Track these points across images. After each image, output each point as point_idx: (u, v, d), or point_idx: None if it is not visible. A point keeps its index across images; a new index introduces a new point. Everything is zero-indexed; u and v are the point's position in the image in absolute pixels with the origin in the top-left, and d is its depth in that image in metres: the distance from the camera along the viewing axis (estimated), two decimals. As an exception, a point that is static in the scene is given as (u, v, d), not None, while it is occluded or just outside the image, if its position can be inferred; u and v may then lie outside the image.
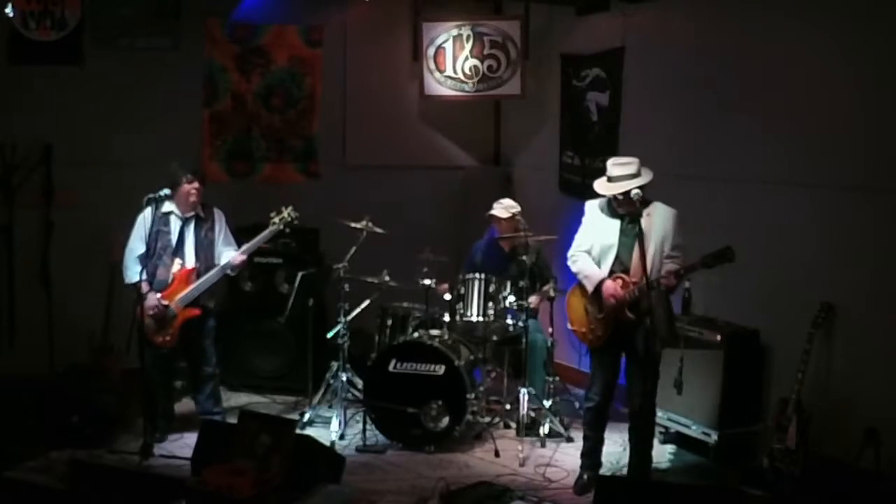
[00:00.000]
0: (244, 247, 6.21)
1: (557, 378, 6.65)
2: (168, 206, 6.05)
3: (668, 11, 6.77)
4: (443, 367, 6.10)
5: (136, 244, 6.00)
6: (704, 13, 6.48)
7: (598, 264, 5.39)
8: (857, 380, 5.46)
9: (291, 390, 7.07)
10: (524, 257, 6.36)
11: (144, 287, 5.92)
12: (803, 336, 5.48)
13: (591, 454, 5.61)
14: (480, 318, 6.34)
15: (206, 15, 7.59)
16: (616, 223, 5.36)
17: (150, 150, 7.26)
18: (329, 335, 6.55)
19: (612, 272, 5.34)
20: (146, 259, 5.96)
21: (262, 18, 7.75)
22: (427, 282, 6.49)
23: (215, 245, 6.19)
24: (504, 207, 6.72)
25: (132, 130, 7.35)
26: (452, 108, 8.26)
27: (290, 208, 6.28)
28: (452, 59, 8.01)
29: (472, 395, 6.17)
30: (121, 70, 7.35)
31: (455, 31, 7.99)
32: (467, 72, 8.01)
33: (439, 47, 8.02)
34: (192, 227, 6.12)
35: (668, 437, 6.25)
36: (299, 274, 6.64)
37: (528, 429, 6.27)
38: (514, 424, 6.43)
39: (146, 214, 5.91)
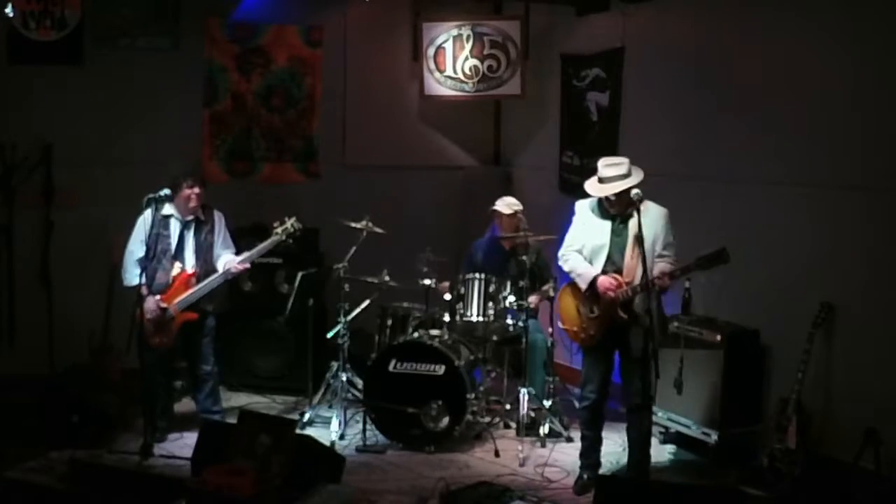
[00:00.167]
0: (245, 255, 6.18)
1: (557, 378, 6.65)
2: (168, 209, 6.04)
3: (668, 11, 6.76)
4: (443, 367, 6.10)
5: (136, 247, 5.99)
6: (704, 13, 6.48)
7: (590, 264, 5.39)
8: (857, 380, 5.46)
9: (291, 390, 7.07)
10: (524, 257, 6.36)
11: (143, 290, 5.92)
12: (803, 336, 5.49)
13: (590, 454, 5.61)
14: (480, 318, 6.33)
15: (206, 15, 7.59)
16: (607, 224, 5.36)
17: (150, 150, 7.27)
18: (329, 335, 6.55)
19: (604, 272, 5.33)
20: (145, 262, 5.95)
21: (262, 18, 7.75)
22: (427, 282, 6.49)
23: (214, 248, 6.19)
24: (507, 204, 6.72)
25: (132, 130, 7.35)
26: (452, 108, 8.26)
27: (293, 219, 6.26)
28: (452, 59, 8.01)
29: (472, 395, 6.17)
30: (121, 70, 7.35)
31: (455, 31, 8.00)
32: (467, 72, 8.01)
33: (439, 47, 8.03)
34: (192, 230, 6.12)
35: (668, 437, 6.25)
36: (299, 274, 6.63)
37: (528, 429, 6.26)
38: (514, 424, 6.43)
39: (146, 217, 5.90)
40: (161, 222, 6.00)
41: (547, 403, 6.41)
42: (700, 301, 6.25)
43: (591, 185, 5.37)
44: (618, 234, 5.33)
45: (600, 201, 5.38)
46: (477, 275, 6.42)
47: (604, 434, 5.65)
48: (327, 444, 5.85)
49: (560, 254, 5.52)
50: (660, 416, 6.11)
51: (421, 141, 8.35)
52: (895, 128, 5.29)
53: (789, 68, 5.86)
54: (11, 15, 6.86)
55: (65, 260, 7.26)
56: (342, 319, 6.39)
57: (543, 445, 6.22)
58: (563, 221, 5.60)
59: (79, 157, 7.20)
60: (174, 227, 6.08)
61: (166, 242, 6.04)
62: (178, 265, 6.06)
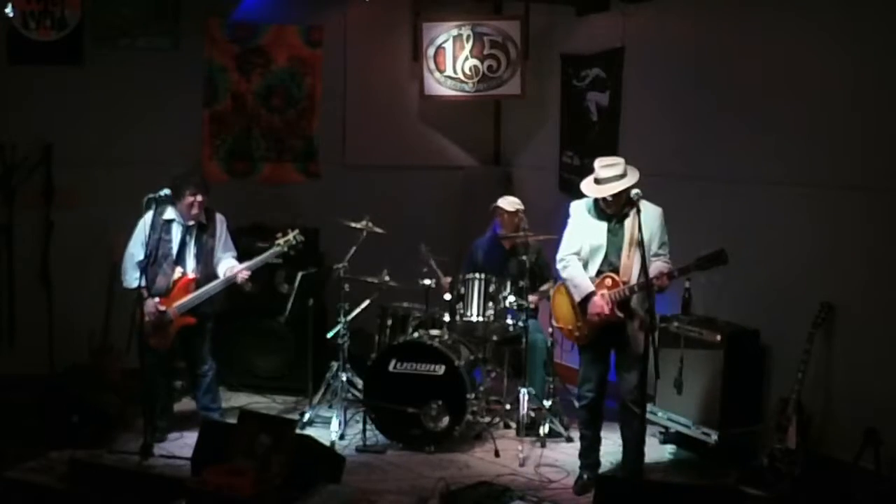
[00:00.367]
0: (246, 264, 6.17)
1: (557, 378, 6.65)
2: (170, 214, 6.04)
3: (668, 11, 6.77)
4: (443, 367, 6.10)
5: (136, 249, 5.98)
6: (704, 13, 6.48)
7: (587, 265, 5.39)
8: (857, 380, 5.46)
9: (291, 390, 7.07)
10: (524, 257, 6.36)
11: (143, 293, 5.91)
12: (803, 336, 5.49)
13: (590, 453, 5.61)
14: (480, 318, 6.33)
15: (206, 15, 7.59)
16: (604, 224, 5.36)
17: (150, 150, 7.28)
18: (329, 335, 6.55)
19: (600, 272, 5.34)
20: (145, 265, 5.94)
21: (262, 18, 7.75)
22: (427, 282, 6.49)
23: (215, 251, 6.20)
24: (509, 202, 6.73)
25: (132, 130, 7.36)
26: (452, 108, 8.26)
27: (296, 231, 6.28)
28: (452, 59, 8.01)
29: (472, 395, 6.17)
30: (121, 70, 7.35)
31: (455, 31, 7.99)
32: (467, 72, 8.01)
33: (439, 47, 8.02)
34: (194, 235, 6.12)
35: (668, 437, 6.24)
36: (299, 274, 6.63)
37: (528, 429, 6.26)
38: (514, 424, 6.43)
39: (146, 219, 5.90)
40: (163, 227, 6.01)
41: (547, 403, 6.41)
42: (700, 301, 6.25)
43: (587, 186, 5.37)
44: (614, 234, 5.33)
45: (596, 202, 5.38)
46: (477, 275, 6.42)
47: (603, 434, 5.64)
48: (327, 444, 5.85)
49: (559, 258, 5.51)
50: (660, 416, 6.11)
51: (421, 141, 8.35)
52: (895, 128, 5.30)
53: (789, 68, 5.86)
54: (11, 15, 6.86)
55: (65, 260, 7.26)
56: (342, 319, 6.40)
57: (543, 445, 6.22)
58: (563, 221, 5.60)
59: (79, 157, 7.20)
60: (176, 232, 6.08)
61: (168, 247, 6.04)
62: (178, 269, 6.06)
